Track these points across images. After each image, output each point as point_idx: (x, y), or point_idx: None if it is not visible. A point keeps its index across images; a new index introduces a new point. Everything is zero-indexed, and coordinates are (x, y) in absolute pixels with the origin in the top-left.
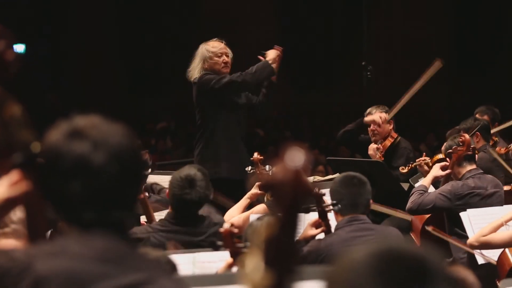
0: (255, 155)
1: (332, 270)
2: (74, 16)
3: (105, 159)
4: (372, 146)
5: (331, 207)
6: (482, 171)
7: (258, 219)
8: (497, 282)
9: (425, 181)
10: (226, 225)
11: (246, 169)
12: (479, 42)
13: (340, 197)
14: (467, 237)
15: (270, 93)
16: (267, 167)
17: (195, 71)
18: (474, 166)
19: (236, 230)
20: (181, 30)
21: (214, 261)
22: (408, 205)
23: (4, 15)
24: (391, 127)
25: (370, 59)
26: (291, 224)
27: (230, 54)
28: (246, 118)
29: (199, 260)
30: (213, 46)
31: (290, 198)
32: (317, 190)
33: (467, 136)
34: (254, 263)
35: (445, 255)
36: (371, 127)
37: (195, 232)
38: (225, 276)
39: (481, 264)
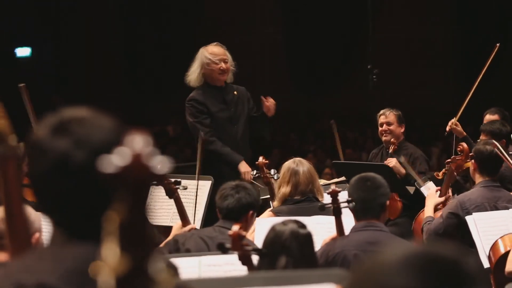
0: (260, 159)
1: (360, 271)
2: (78, 19)
3: (86, 157)
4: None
5: (345, 204)
6: (498, 184)
7: (283, 223)
8: (491, 276)
9: (428, 212)
10: (234, 228)
11: (252, 173)
12: (484, 44)
13: (354, 201)
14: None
15: (260, 123)
16: (272, 171)
17: (193, 75)
18: (487, 178)
19: (244, 233)
20: (184, 31)
21: (220, 264)
22: (424, 237)
23: (9, 18)
24: (403, 130)
25: (376, 63)
26: (138, 208)
27: (230, 59)
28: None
29: (205, 264)
30: (212, 53)
31: (133, 183)
32: (333, 187)
33: (465, 145)
34: (110, 250)
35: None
36: (383, 127)
37: None
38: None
39: (487, 268)
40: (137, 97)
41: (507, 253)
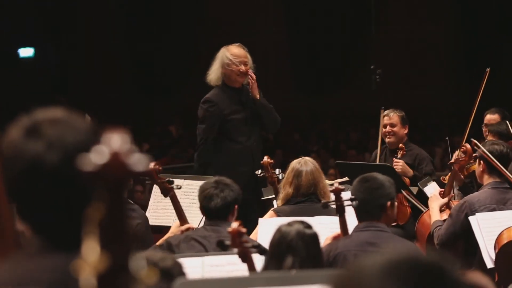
0: (265, 158)
1: (343, 273)
2: (82, 18)
3: (59, 159)
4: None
5: (349, 202)
6: (507, 186)
7: (289, 224)
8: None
9: (434, 216)
10: (234, 225)
11: (256, 172)
12: (487, 45)
13: (356, 204)
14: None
15: (263, 113)
16: (277, 170)
17: (213, 74)
18: (497, 179)
19: (244, 230)
20: (186, 31)
21: (223, 264)
22: (436, 242)
23: (12, 19)
24: (406, 131)
25: (378, 63)
26: (117, 206)
27: (250, 62)
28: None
29: (208, 264)
30: (233, 54)
31: (112, 181)
32: (337, 185)
33: (468, 146)
34: (90, 248)
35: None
36: (387, 128)
37: None
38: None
39: (491, 268)
40: (139, 97)
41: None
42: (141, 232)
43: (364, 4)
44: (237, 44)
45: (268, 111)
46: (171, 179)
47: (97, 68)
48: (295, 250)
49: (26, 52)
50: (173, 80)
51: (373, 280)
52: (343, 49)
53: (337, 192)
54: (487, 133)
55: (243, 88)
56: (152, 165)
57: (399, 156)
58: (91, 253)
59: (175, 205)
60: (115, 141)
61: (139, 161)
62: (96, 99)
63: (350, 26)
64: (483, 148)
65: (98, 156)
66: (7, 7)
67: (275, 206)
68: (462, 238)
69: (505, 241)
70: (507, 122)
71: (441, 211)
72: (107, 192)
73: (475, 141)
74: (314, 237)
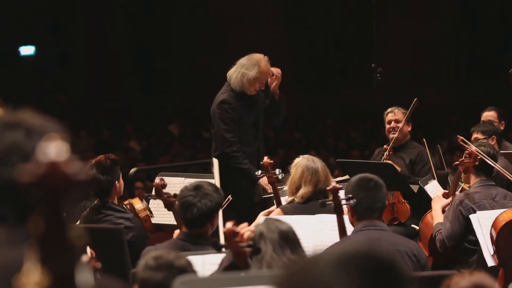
0: (265, 159)
1: (293, 269)
2: (82, 18)
3: (39, 145)
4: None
5: (345, 201)
6: (493, 183)
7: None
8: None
9: (437, 218)
10: (228, 224)
11: (256, 173)
12: (487, 44)
13: (357, 201)
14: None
15: (275, 107)
16: (277, 170)
17: (234, 76)
18: (484, 178)
19: (238, 229)
20: (187, 30)
21: None
22: (438, 246)
23: (14, 17)
24: (410, 129)
25: (380, 61)
26: (56, 219)
27: (269, 78)
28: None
29: (209, 262)
30: (263, 71)
31: (50, 192)
32: (334, 184)
33: (473, 147)
34: (31, 263)
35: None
36: (392, 124)
37: None
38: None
39: (491, 267)
40: (140, 96)
41: (509, 221)
42: (137, 244)
43: (365, 2)
44: (267, 58)
45: (284, 108)
46: (177, 193)
47: (97, 67)
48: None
49: (27, 50)
50: (173, 80)
51: (326, 271)
52: (344, 48)
53: (335, 191)
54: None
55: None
56: (157, 180)
57: (385, 157)
58: (32, 268)
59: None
60: (53, 149)
61: (79, 171)
62: (96, 98)
63: (351, 24)
64: (471, 144)
65: (34, 166)
66: (7, 6)
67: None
68: (463, 238)
69: (502, 223)
70: (492, 123)
71: (444, 211)
72: (45, 204)
73: (462, 137)
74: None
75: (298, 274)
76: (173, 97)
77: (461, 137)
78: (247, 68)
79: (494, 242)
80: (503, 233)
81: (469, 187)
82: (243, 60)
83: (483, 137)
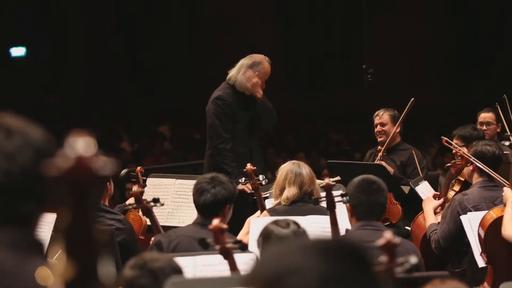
0: (248, 165)
1: (265, 255)
2: (74, 18)
3: (19, 146)
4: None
5: (340, 198)
6: (496, 184)
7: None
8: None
9: (429, 220)
10: (215, 221)
11: (240, 180)
12: (481, 44)
13: (358, 203)
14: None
15: (262, 110)
16: (260, 176)
17: (235, 75)
18: (486, 178)
19: (225, 226)
20: (180, 31)
21: (215, 264)
22: (433, 246)
23: (4, 18)
24: (398, 130)
25: (371, 62)
26: (83, 212)
27: (267, 77)
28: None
29: (200, 263)
30: (266, 72)
31: (76, 186)
32: (328, 181)
33: (465, 150)
34: (56, 255)
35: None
36: (378, 128)
37: None
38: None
39: (482, 268)
40: (133, 97)
41: (498, 219)
42: (128, 246)
43: (357, 3)
44: (268, 59)
45: (267, 113)
46: (155, 197)
47: (89, 69)
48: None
49: (17, 51)
50: (166, 81)
51: (297, 258)
52: (336, 49)
53: (328, 188)
54: (487, 132)
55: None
56: (135, 188)
57: (378, 158)
58: (58, 260)
59: (154, 222)
60: (80, 145)
61: (105, 166)
62: (87, 99)
63: (345, 26)
64: (455, 145)
65: (62, 160)
66: None
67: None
68: (459, 238)
69: (490, 221)
70: (473, 125)
71: (435, 213)
72: (72, 198)
73: (446, 138)
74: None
75: (270, 267)
76: (165, 98)
77: (445, 138)
78: (250, 65)
79: (482, 241)
80: (490, 231)
81: (459, 185)
82: (244, 61)
83: (462, 144)
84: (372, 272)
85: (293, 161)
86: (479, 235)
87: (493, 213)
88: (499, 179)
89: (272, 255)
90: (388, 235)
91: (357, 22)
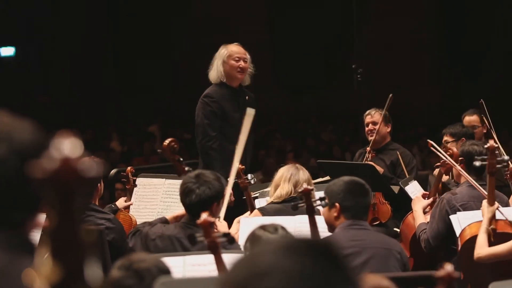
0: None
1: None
2: (63, 18)
3: (5, 152)
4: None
5: (318, 202)
6: (484, 183)
7: (261, 227)
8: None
9: (419, 219)
10: (203, 216)
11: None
12: (471, 45)
13: (351, 204)
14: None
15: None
16: (249, 176)
17: (214, 71)
18: (474, 177)
19: (213, 220)
20: (170, 30)
21: (204, 264)
22: (423, 246)
23: None
24: (389, 129)
25: (361, 62)
26: (68, 214)
27: (249, 60)
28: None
29: (189, 263)
30: (232, 50)
31: (62, 187)
32: (306, 185)
33: (454, 149)
34: (42, 257)
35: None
36: (369, 127)
37: None
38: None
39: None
40: (122, 97)
41: (473, 237)
42: (117, 245)
43: (347, 2)
44: (235, 43)
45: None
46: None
47: (80, 68)
48: None
49: (7, 51)
50: (155, 81)
51: (268, 259)
52: (325, 48)
53: (306, 193)
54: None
55: (240, 89)
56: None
57: (366, 159)
58: (43, 262)
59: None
60: (66, 146)
61: (91, 167)
62: (78, 99)
63: (332, 25)
64: (439, 149)
65: (48, 162)
66: None
67: (258, 205)
68: (448, 237)
69: (467, 238)
70: (461, 123)
71: (425, 213)
72: (57, 199)
73: (431, 142)
74: None
75: (242, 270)
76: (155, 98)
77: (431, 142)
78: (220, 55)
79: (458, 254)
80: (463, 250)
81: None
82: (214, 58)
83: (452, 139)
84: (345, 270)
85: (292, 164)
86: (457, 244)
87: (470, 230)
88: (479, 190)
89: (245, 258)
90: (449, 267)
91: (348, 21)
